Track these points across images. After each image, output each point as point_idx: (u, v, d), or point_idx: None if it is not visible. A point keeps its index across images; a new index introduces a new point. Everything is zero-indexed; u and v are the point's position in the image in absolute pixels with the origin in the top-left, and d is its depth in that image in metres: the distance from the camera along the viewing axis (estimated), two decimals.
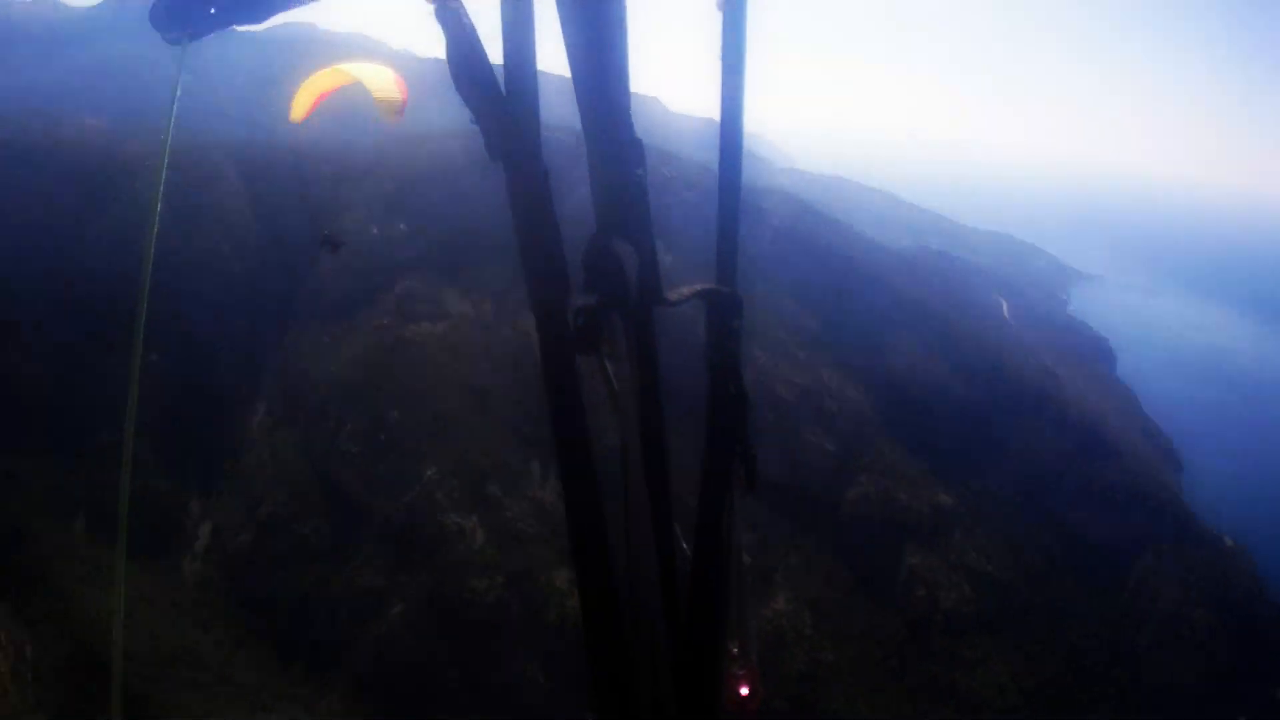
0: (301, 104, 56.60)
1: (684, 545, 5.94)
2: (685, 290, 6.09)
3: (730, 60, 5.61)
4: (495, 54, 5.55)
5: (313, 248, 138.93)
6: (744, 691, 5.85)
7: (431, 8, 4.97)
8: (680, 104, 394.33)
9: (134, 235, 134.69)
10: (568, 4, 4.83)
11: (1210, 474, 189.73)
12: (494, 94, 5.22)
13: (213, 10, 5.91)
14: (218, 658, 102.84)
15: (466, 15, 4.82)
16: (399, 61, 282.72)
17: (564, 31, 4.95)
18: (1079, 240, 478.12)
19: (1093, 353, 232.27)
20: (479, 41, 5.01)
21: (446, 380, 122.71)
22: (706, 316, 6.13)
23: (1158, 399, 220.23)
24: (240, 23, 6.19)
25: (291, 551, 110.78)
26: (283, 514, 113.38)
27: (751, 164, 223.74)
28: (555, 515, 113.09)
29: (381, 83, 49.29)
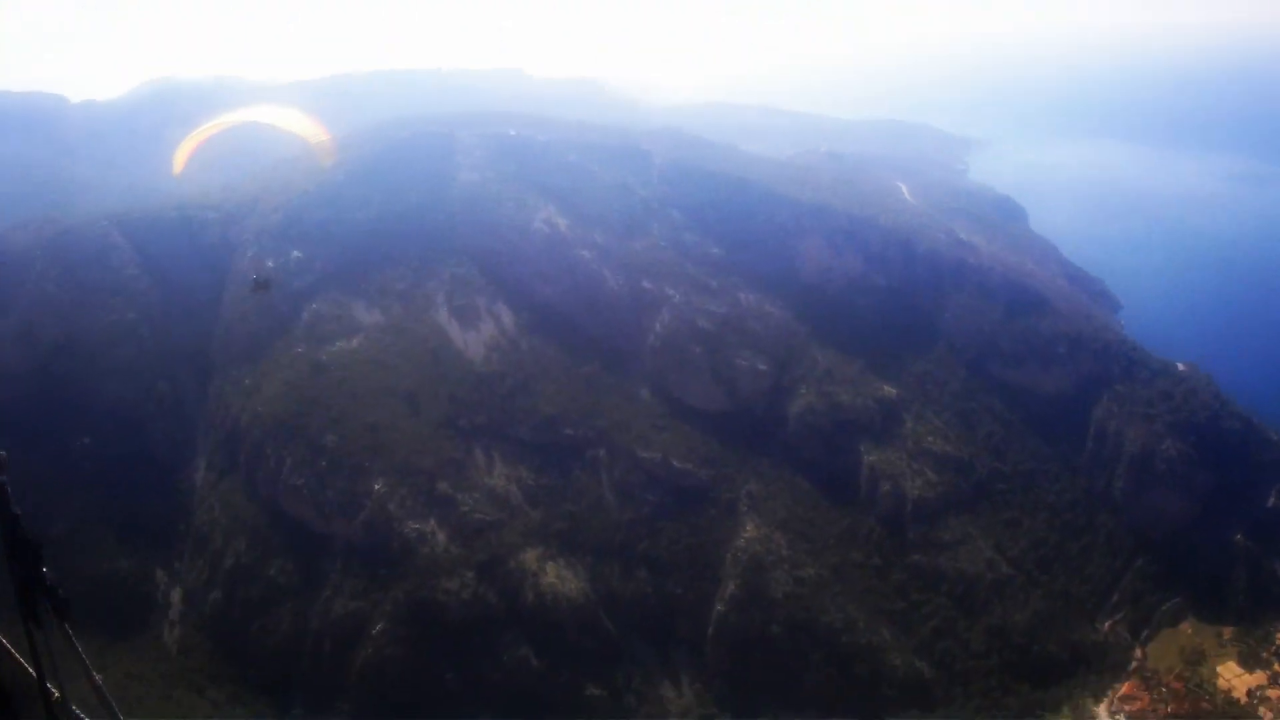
0: (181, 157, 55.93)
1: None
2: None
3: None
4: None
5: (208, 294, 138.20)
6: None
7: None
8: (545, 70, 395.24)
9: (37, 327, 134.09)
10: None
11: (1149, 303, 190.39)
12: None
13: None
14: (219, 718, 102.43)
15: None
16: (267, 94, 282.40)
17: None
18: (961, 109, 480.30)
19: (1002, 214, 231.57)
20: None
21: (373, 391, 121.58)
22: None
23: (1077, 243, 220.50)
24: None
25: (264, 596, 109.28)
26: (246, 562, 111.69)
27: (628, 110, 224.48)
28: (510, 498, 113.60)
29: (301, 123, 49.39)
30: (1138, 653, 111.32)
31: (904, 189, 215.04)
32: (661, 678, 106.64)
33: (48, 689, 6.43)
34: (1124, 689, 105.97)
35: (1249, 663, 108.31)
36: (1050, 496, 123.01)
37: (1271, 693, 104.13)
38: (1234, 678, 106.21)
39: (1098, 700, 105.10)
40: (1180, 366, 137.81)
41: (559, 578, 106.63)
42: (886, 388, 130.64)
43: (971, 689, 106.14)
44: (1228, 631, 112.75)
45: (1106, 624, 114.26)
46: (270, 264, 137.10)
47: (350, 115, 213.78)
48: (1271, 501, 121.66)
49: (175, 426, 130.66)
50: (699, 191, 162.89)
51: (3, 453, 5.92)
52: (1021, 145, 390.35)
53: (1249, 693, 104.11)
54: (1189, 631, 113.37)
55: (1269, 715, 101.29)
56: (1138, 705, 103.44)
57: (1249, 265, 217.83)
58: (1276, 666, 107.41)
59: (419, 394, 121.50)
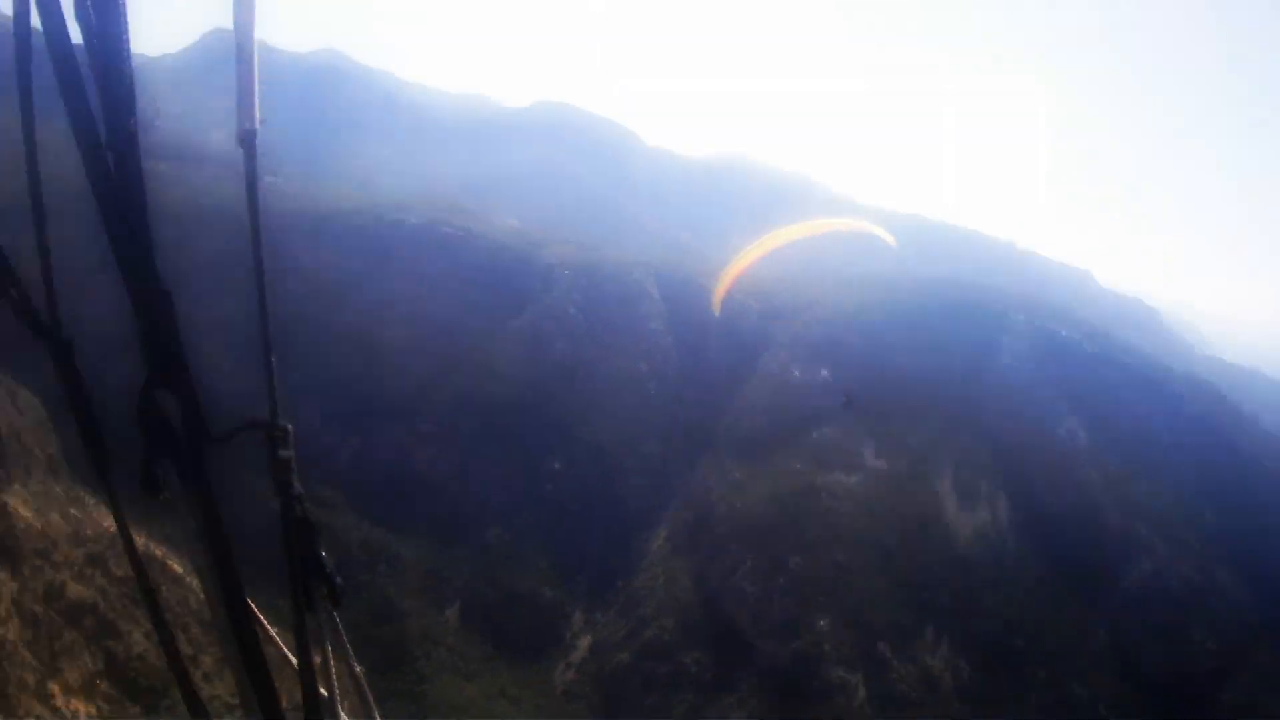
0: (731, 275, 58.00)
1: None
2: (231, 429, 5.68)
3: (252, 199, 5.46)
4: None
5: (728, 378, 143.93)
6: None
7: None
8: (1111, 278, 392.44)
9: (546, 341, 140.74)
10: (100, 196, 4.75)
11: None
12: (22, 286, 4.93)
13: None
14: None
15: None
16: (835, 207, 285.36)
17: (96, 200, 4.78)
18: None
19: None
20: None
21: (852, 533, 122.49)
22: (265, 449, 5.74)
23: None
24: None
25: (668, 677, 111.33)
26: (666, 640, 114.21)
27: (1174, 345, 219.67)
28: (941, 684, 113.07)
29: (876, 228, 52.44)
30: None
31: None
32: None
33: (312, 677, 6.02)
34: None
35: None
36: None
37: None
38: None
39: None
40: None
41: None
42: None
43: None
44: None
45: None
46: (797, 374, 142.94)
47: (908, 257, 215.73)
48: None
49: (650, 488, 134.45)
50: (1213, 454, 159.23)
51: (289, 426, 5.59)
52: None
53: None
54: None
55: None
56: None
57: None
58: None
59: (895, 552, 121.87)
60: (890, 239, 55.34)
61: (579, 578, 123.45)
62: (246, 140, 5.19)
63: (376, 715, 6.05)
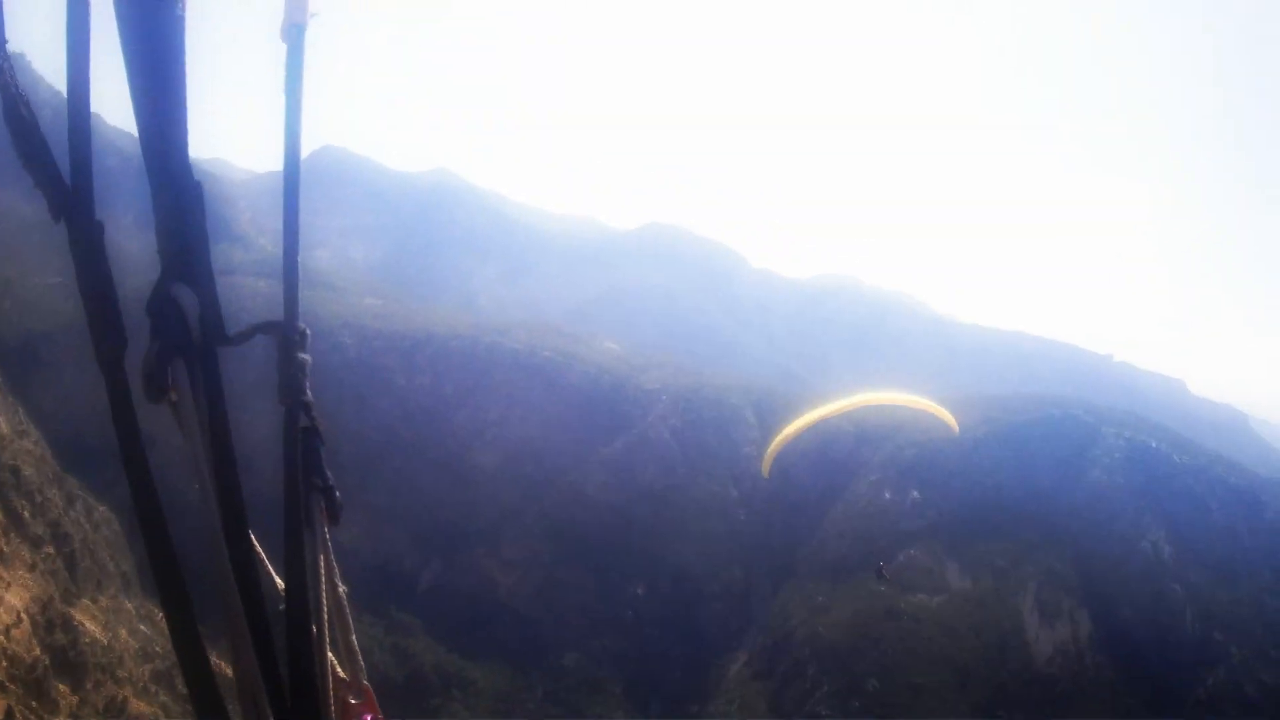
0: (777, 446, 58.56)
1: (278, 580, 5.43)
2: (247, 328, 5.12)
3: (292, 94, 4.77)
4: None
5: (818, 500, 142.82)
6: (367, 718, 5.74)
7: None
8: (1205, 388, 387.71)
9: (637, 466, 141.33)
10: (129, 48, 4.21)
11: None
12: (49, 156, 4.20)
13: None
14: None
15: (15, 74, 3.99)
16: (937, 327, 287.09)
17: (127, 72, 4.32)
18: None
19: None
20: (28, 101, 4.14)
21: (931, 655, 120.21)
22: (277, 351, 5.20)
23: None
24: None
25: None
26: None
27: (1265, 451, 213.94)
28: None
29: (938, 409, 52.29)
30: None
31: None
32: None
33: (303, 595, 5.25)
34: None
35: None
36: None
37: None
38: None
39: None
40: None
41: None
42: None
43: None
44: None
45: None
46: (887, 495, 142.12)
47: (1006, 373, 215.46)
48: None
49: (731, 613, 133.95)
50: None
51: (307, 330, 4.57)
52: None
53: None
54: None
55: None
56: None
57: None
58: None
59: (973, 673, 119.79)
60: (953, 423, 55.62)
61: (653, 704, 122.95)
62: (291, 35, 4.70)
63: (354, 638, 5.58)
